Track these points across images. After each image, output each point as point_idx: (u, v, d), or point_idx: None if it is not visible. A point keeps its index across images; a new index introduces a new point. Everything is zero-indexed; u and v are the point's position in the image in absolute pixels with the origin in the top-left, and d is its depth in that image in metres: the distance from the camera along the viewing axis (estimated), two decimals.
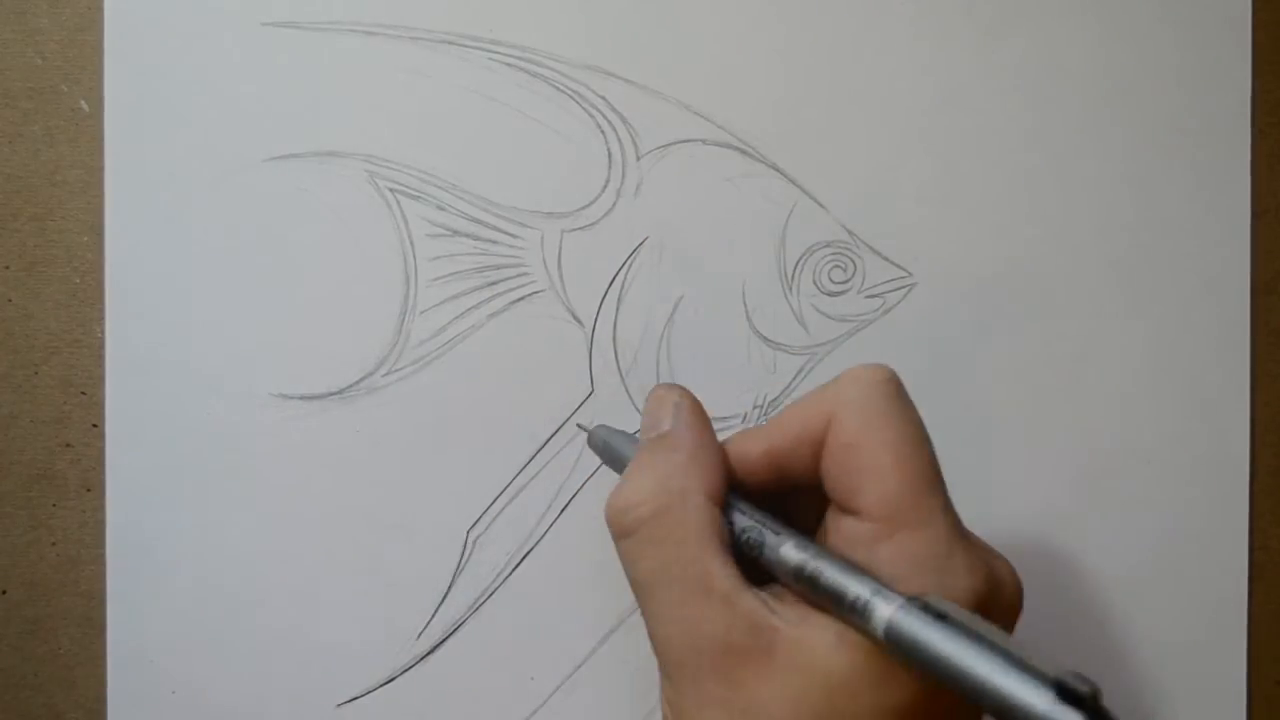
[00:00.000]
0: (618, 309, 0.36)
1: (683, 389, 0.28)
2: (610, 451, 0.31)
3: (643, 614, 0.25)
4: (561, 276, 0.36)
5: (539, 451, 0.37)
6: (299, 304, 0.36)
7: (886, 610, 0.22)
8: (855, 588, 0.22)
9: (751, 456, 0.26)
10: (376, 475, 0.36)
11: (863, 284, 0.37)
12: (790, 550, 0.24)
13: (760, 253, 0.37)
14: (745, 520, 0.25)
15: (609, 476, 0.33)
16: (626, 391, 0.36)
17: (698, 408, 0.27)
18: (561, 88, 0.36)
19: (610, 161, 0.36)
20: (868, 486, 0.23)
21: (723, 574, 0.24)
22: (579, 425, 0.35)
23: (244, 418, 0.36)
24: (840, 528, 0.24)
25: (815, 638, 0.22)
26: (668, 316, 0.36)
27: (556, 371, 0.36)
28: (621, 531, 0.25)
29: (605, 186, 0.36)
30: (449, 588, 0.36)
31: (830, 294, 0.37)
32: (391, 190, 0.36)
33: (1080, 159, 0.37)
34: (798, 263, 0.37)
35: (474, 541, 0.36)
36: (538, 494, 0.36)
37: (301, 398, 0.36)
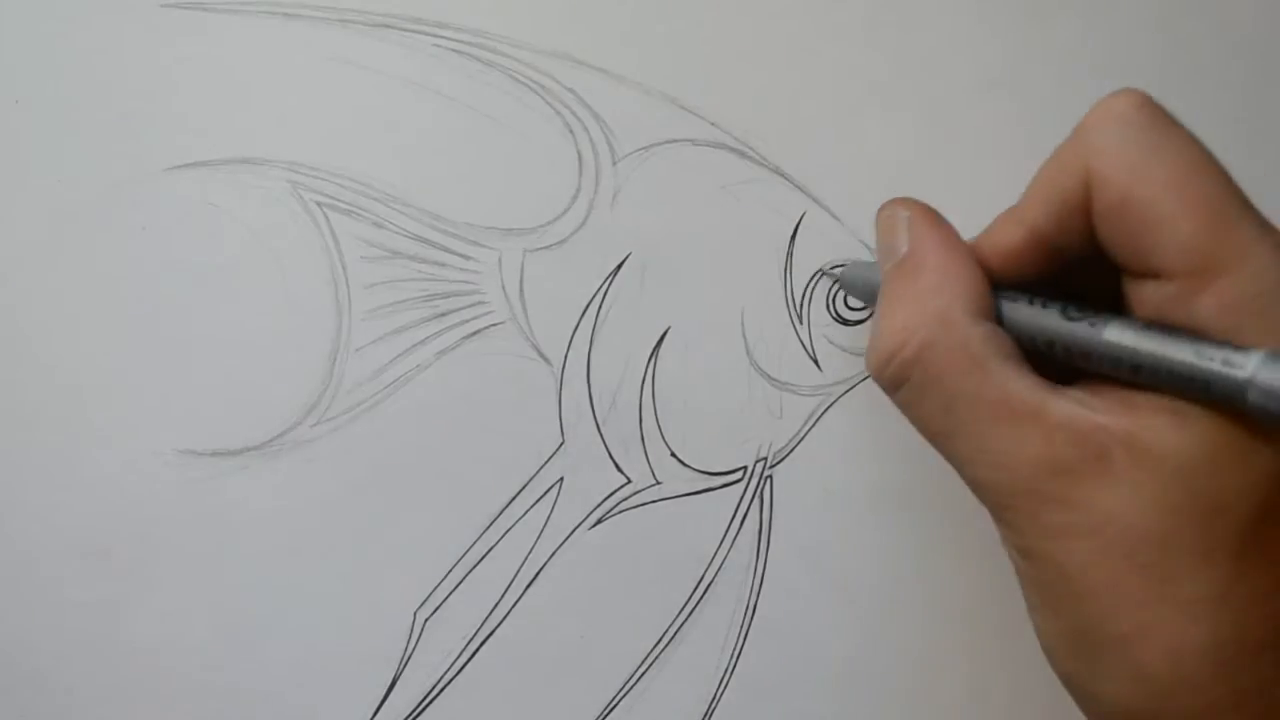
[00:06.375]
0: (591, 344, 0.33)
1: (909, 200, 0.27)
2: (869, 288, 0.29)
3: (952, 465, 0.24)
4: (524, 305, 0.33)
5: (500, 514, 0.33)
6: (208, 342, 0.32)
7: (1245, 368, 0.20)
8: (1191, 353, 0.21)
9: (1011, 247, 0.24)
10: (304, 546, 0.33)
11: None
12: (1096, 332, 0.22)
13: (763, 274, 0.33)
14: (1029, 315, 0.24)
15: (587, 543, 0.32)
16: (603, 442, 0.33)
17: (931, 216, 0.26)
18: (522, 79, 0.32)
19: (581, 166, 0.32)
20: (1160, 242, 0.21)
21: (1021, 388, 0.22)
22: (822, 270, 0.32)
23: (142, 479, 0.32)
24: (1143, 297, 0.22)
25: (1152, 425, 0.21)
26: (652, 352, 0.33)
27: (519, 419, 0.33)
28: (892, 385, 0.25)
29: (575, 196, 0.33)
30: (394, 680, 0.33)
31: (847, 322, 0.33)
32: (319, 204, 0.32)
33: None
34: (808, 286, 0.33)
35: (423, 624, 0.33)
36: (499, 565, 0.33)
37: (213, 454, 0.32)
